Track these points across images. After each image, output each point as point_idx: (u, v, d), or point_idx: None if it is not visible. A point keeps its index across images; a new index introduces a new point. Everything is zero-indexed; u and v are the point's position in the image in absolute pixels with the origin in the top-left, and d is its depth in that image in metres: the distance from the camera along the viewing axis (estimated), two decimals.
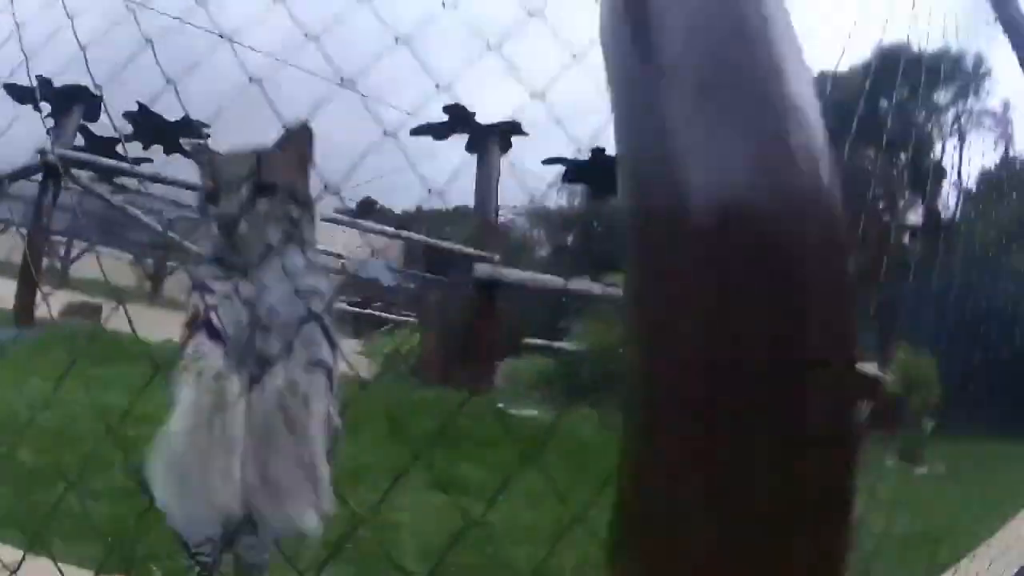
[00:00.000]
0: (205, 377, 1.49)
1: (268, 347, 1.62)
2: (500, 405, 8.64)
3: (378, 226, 14.48)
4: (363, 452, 4.90)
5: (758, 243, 0.71)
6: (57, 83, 13.73)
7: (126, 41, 2.45)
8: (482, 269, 11.41)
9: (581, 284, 11.70)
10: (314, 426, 1.50)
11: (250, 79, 1.97)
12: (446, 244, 14.53)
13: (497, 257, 13.11)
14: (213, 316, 1.61)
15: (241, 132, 2.02)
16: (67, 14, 2.50)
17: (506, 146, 17.33)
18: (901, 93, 4.22)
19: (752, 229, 0.71)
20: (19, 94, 13.34)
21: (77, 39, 2.34)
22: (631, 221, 0.83)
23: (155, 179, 12.31)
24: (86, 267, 20.04)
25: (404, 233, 14.94)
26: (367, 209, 23.25)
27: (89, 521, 3.29)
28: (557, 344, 15.26)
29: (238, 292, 1.67)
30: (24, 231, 18.32)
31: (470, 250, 13.74)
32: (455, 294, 13.06)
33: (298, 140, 1.83)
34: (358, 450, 4.93)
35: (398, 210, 28.33)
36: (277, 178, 1.74)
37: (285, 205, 1.74)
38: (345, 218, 13.00)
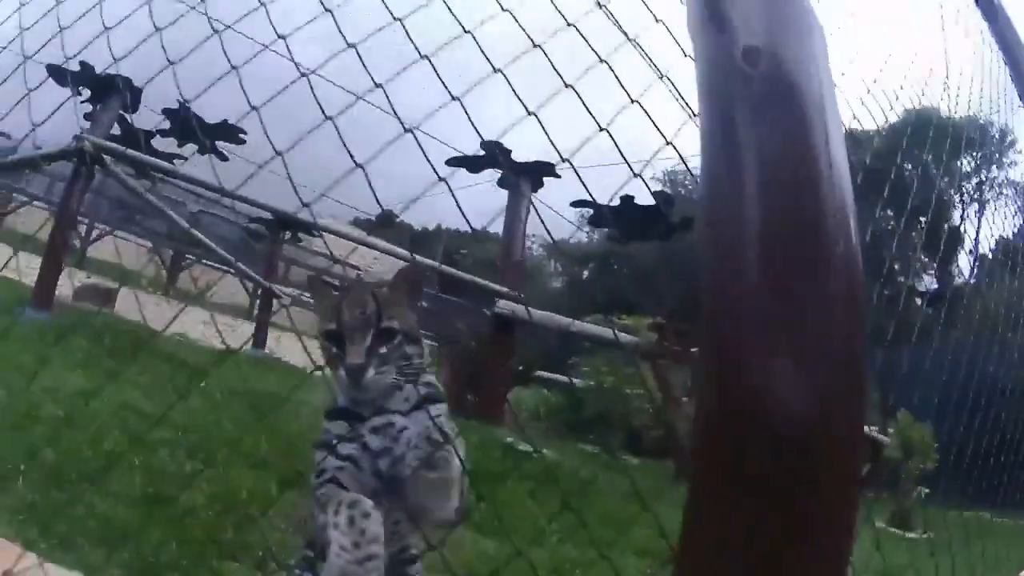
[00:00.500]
0: (355, 524, 1.70)
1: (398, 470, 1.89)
2: (509, 440, 8.72)
3: (400, 249, 14.69)
4: None
5: None
6: (100, 71, 14.03)
7: (170, 39, 2.58)
8: (504, 306, 11.56)
9: (596, 328, 11.77)
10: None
11: (301, 74, 2.07)
12: (469, 277, 14.63)
13: (520, 295, 13.32)
14: (341, 479, 1.86)
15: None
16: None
17: (537, 185, 17.50)
18: (926, 156, 4.28)
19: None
20: (61, 76, 13.50)
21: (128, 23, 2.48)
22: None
23: (188, 179, 12.44)
24: (102, 249, 20.12)
25: (428, 261, 15.12)
26: (386, 222, 23.29)
27: (108, 525, 3.35)
28: (564, 378, 15.29)
29: (365, 448, 1.89)
30: (51, 210, 18.56)
31: (493, 285, 13.93)
32: (474, 326, 13.18)
33: (410, 280, 2.06)
34: None
35: (417, 225, 28.61)
36: (396, 323, 1.92)
37: (403, 347, 1.93)
38: (357, 234, 13.16)
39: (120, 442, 4.70)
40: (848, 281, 0.94)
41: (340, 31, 2.07)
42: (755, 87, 1.13)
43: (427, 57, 2.06)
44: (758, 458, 0.86)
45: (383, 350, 1.87)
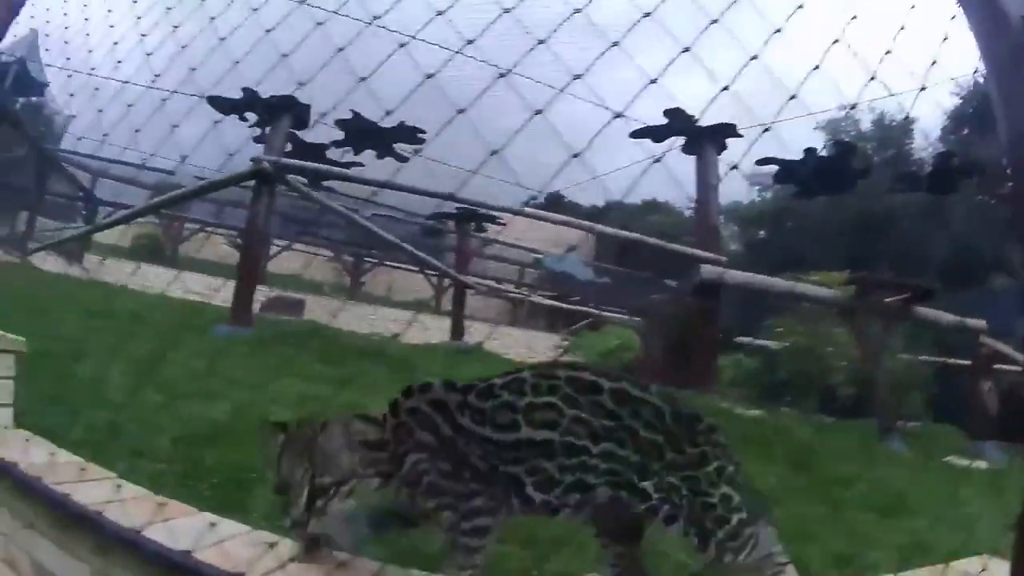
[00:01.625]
0: None
1: None
2: (724, 405, 8.52)
3: (585, 223, 14.65)
4: None
5: None
6: (263, 95, 14.57)
7: (314, 50, 2.53)
8: (709, 271, 11.33)
9: (805, 287, 11.37)
10: None
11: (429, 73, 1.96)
12: (673, 245, 14.46)
13: (724, 259, 13.13)
14: None
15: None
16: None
17: (721, 148, 17.12)
18: None
19: None
20: (222, 106, 14.17)
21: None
22: None
23: (369, 182, 12.74)
24: (279, 264, 21.01)
25: (623, 233, 15.09)
26: (555, 204, 23.38)
27: None
28: (762, 342, 14.94)
29: None
30: (227, 235, 19.50)
31: (691, 251, 13.69)
32: (675, 294, 13.05)
33: None
34: None
35: (585, 204, 28.50)
36: None
37: None
38: (545, 213, 13.21)
39: None
40: None
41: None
42: None
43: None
44: None
45: None
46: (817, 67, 2.13)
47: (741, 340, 15.28)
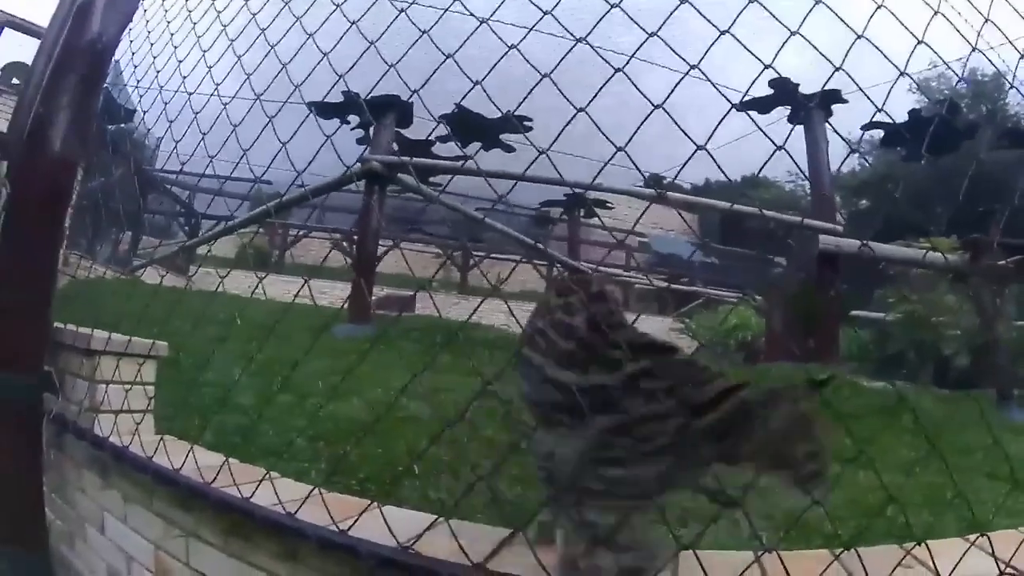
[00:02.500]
0: None
1: None
2: (849, 377, 8.33)
3: (692, 199, 14.45)
4: None
5: None
6: (365, 96, 14.67)
7: (394, 42, 2.56)
8: (827, 241, 11.04)
9: (916, 252, 10.95)
10: None
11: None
12: (789, 217, 14.11)
13: (839, 228, 12.76)
14: None
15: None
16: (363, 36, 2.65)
17: (828, 115, 16.68)
18: None
19: None
20: (326, 111, 14.37)
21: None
22: None
23: (480, 173, 12.80)
24: (387, 263, 21.39)
25: (735, 207, 14.78)
26: (656, 184, 23.12)
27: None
28: (872, 315, 14.50)
29: None
30: (331, 238, 19.87)
31: (808, 221, 13.32)
32: (794, 268, 12.78)
33: None
34: None
35: (686, 184, 28.10)
36: None
37: None
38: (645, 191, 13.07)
39: (496, 428, 4.85)
40: None
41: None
42: None
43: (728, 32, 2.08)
44: None
45: None
46: (921, 41, 2.08)
47: (858, 313, 14.84)
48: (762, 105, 16.89)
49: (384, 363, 6.65)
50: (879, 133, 19.50)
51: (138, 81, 3.96)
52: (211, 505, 2.61)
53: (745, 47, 2.07)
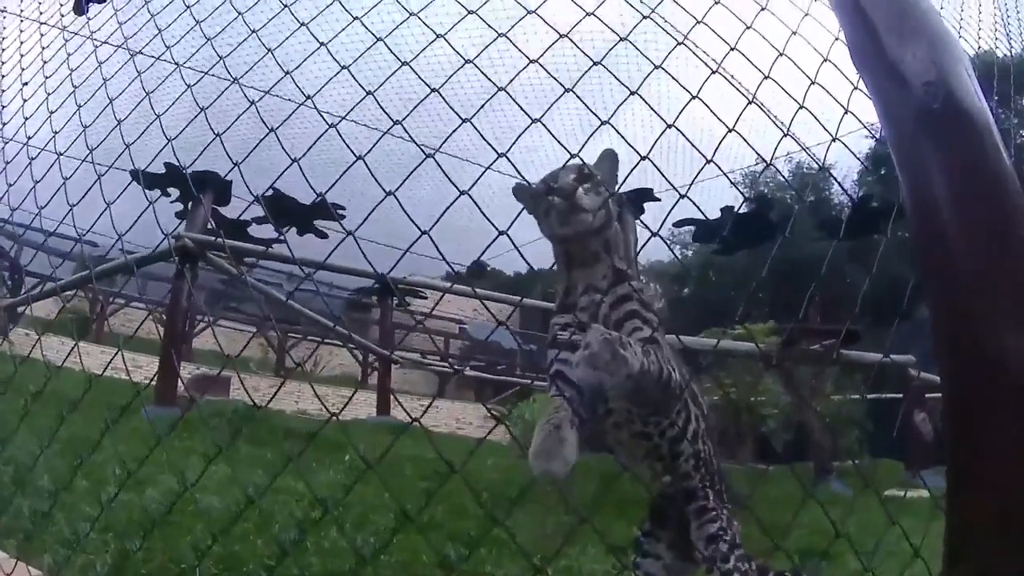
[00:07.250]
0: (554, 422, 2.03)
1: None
2: None
3: (509, 296, 14.66)
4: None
5: None
6: (187, 170, 14.33)
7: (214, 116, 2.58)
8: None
9: (729, 343, 11.46)
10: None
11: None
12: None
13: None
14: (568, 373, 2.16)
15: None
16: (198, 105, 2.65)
17: (639, 212, 17.40)
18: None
19: None
20: (149, 181, 14.03)
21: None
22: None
23: (289, 260, 12.64)
24: (205, 339, 20.70)
25: (526, 301, 15.12)
26: (478, 273, 23.48)
27: None
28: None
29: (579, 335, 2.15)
30: (149, 309, 19.07)
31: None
32: None
33: (609, 161, 2.39)
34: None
35: (509, 271, 28.62)
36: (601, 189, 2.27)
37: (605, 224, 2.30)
38: (452, 285, 13.22)
39: (287, 525, 4.74)
40: None
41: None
42: (935, 117, 1.60)
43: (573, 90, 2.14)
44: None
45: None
46: (732, 129, 2.24)
47: None
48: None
49: (185, 450, 6.44)
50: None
51: None
52: None
53: (557, 140, 2.20)
